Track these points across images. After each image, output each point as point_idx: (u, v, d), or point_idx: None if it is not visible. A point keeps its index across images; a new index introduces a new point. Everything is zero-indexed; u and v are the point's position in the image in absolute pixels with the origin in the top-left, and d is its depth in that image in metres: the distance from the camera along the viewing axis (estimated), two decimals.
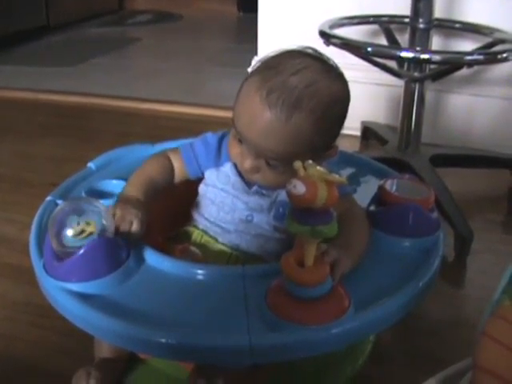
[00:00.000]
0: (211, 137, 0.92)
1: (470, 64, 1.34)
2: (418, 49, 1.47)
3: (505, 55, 1.32)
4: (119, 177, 0.95)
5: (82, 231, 0.72)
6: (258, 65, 0.83)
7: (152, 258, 0.77)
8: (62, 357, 0.98)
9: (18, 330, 1.05)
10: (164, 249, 0.82)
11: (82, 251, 0.70)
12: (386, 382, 0.95)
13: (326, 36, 1.47)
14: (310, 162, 0.62)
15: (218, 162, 0.90)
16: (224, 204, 0.87)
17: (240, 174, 0.86)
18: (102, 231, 0.72)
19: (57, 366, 0.97)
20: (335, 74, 0.82)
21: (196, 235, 0.89)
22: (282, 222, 0.85)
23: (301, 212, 0.61)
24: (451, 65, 1.44)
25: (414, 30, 1.50)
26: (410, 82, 1.54)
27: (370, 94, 1.89)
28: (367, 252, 0.78)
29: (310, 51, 0.84)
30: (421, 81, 1.52)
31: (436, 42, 1.69)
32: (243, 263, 0.82)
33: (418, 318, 1.06)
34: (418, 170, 1.43)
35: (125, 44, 3.42)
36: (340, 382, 0.90)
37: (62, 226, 0.72)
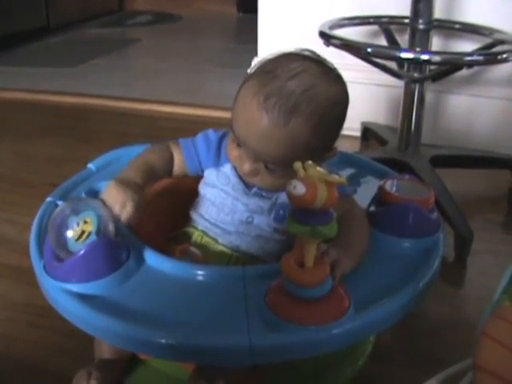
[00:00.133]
0: (212, 134, 0.92)
1: (470, 65, 1.34)
2: (417, 49, 1.47)
3: (505, 56, 1.31)
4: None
5: (82, 232, 0.72)
6: (255, 68, 0.83)
7: (152, 258, 0.77)
8: (62, 357, 0.98)
9: (18, 330, 1.05)
10: (164, 249, 0.82)
11: (82, 252, 0.70)
12: (386, 382, 0.95)
13: (325, 37, 1.47)
14: (310, 162, 0.62)
15: (217, 161, 0.90)
16: (224, 205, 0.87)
17: (240, 176, 0.86)
18: (100, 229, 0.72)
19: (57, 366, 0.97)
20: (333, 77, 0.82)
21: (196, 236, 0.89)
22: (282, 224, 0.85)
23: (301, 212, 0.61)
24: (451, 65, 1.44)
25: (413, 31, 1.50)
26: (409, 83, 1.54)
27: (369, 95, 1.89)
28: (367, 252, 0.78)
29: (307, 53, 0.83)
30: (421, 81, 1.52)
31: (436, 42, 1.69)
32: (243, 264, 0.82)
33: (418, 318, 1.07)
34: (418, 171, 1.43)
35: (125, 45, 3.42)
36: (340, 383, 0.90)
37: (62, 228, 0.72)
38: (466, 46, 1.74)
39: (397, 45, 1.65)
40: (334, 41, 1.44)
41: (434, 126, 1.85)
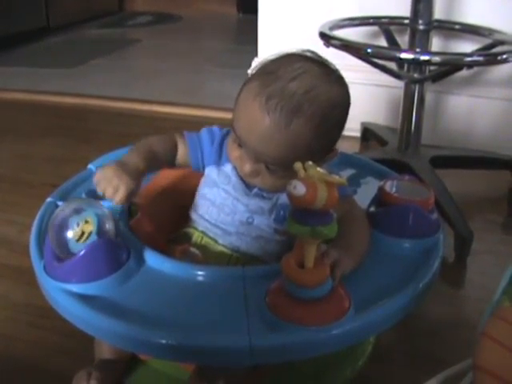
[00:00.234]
0: (217, 130, 0.92)
1: (470, 65, 1.34)
2: (417, 50, 1.48)
3: (504, 56, 1.32)
4: None
5: (83, 233, 0.72)
6: (256, 69, 0.83)
7: (152, 259, 0.77)
8: (62, 357, 0.98)
9: (19, 330, 1.05)
10: (164, 250, 0.82)
11: (82, 252, 0.70)
12: (386, 383, 0.95)
13: (326, 37, 1.47)
14: (310, 163, 0.62)
15: (219, 158, 0.90)
16: (224, 205, 0.87)
17: (240, 176, 0.86)
18: (100, 229, 0.72)
19: (57, 366, 0.97)
20: (335, 78, 0.82)
21: (196, 236, 0.89)
22: (282, 224, 0.85)
23: (301, 213, 0.61)
24: (451, 66, 1.44)
25: (413, 32, 1.50)
26: (409, 84, 1.54)
27: (369, 96, 1.90)
28: (367, 253, 0.78)
29: (309, 54, 0.83)
30: (421, 82, 1.52)
31: (436, 43, 1.69)
32: (243, 264, 0.82)
33: (418, 318, 1.07)
34: (418, 171, 1.43)
35: (125, 45, 3.42)
36: (340, 383, 0.90)
37: (62, 228, 0.72)
38: (466, 46, 1.74)
39: (397, 45, 1.65)
40: (334, 41, 1.44)
41: (434, 127, 1.85)
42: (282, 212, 0.85)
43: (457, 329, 1.06)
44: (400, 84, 1.58)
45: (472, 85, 1.83)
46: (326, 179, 0.60)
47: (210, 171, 0.90)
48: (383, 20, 1.72)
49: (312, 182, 0.59)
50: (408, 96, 1.55)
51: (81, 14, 3.91)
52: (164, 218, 0.96)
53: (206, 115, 2.15)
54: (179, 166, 0.93)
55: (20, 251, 1.25)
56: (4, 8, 3.12)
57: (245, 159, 0.82)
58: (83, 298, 0.70)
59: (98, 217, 0.73)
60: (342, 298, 0.68)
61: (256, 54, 2.08)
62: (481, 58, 1.36)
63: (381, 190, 0.87)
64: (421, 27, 1.49)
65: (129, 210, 0.90)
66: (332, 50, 1.40)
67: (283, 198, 0.84)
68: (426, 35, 1.50)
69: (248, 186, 0.86)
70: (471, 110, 1.84)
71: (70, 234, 0.72)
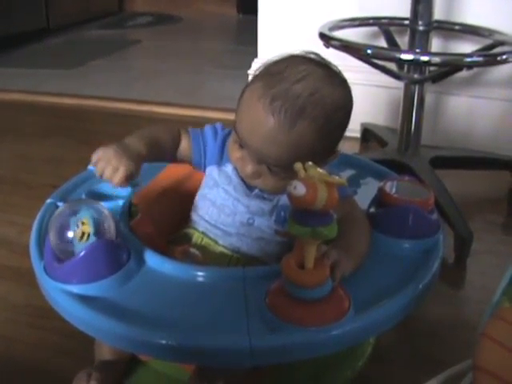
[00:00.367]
0: (220, 128, 0.92)
1: (470, 66, 1.34)
2: (417, 51, 1.48)
3: (504, 57, 1.32)
4: None
5: (83, 234, 0.72)
6: (260, 70, 0.83)
7: (152, 259, 0.77)
8: (62, 358, 0.98)
9: (19, 331, 1.05)
10: (164, 251, 0.82)
11: (82, 253, 0.70)
12: (385, 383, 0.95)
13: (325, 38, 1.47)
14: (310, 163, 0.62)
15: (220, 157, 0.90)
16: (225, 206, 0.87)
17: (241, 177, 0.86)
18: (97, 230, 0.72)
19: (57, 367, 0.97)
20: (338, 81, 0.82)
21: (196, 237, 0.89)
22: (283, 225, 0.85)
23: (301, 213, 0.61)
24: (451, 67, 1.44)
25: (413, 32, 1.51)
26: (409, 84, 1.54)
27: (369, 96, 1.90)
28: (368, 254, 0.78)
29: (312, 56, 0.83)
30: (420, 83, 1.52)
31: (436, 43, 1.69)
32: (244, 265, 0.82)
33: (418, 319, 1.07)
34: (418, 172, 1.43)
35: (124, 46, 3.42)
36: (339, 383, 0.90)
37: (62, 229, 0.72)
38: (466, 47, 1.75)
39: (397, 46, 1.65)
40: (334, 42, 1.44)
41: (434, 127, 1.85)
42: (282, 213, 0.85)
43: (457, 329, 1.06)
44: (400, 85, 1.59)
45: (472, 85, 1.83)
46: (326, 180, 0.60)
47: (211, 171, 0.90)
48: (383, 21, 1.72)
49: (312, 182, 0.59)
50: (408, 97, 1.55)
51: (81, 15, 3.91)
52: (164, 219, 0.96)
53: (205, 116, 2.15)
54: (181, 159, 0.92)
55: (20, 252, 1.25)
56: (4, 9, 3.13)
57: (247, 160, 0.81)
58: (83, 299, 0.70)
59: (94, 217, 0.73)
60: (341, 299, 0.68)
61: (256, 55, 2.08)
62: (481, 59, 1.36)
63: (381, 190, 0.87)
64: (421, 28, 1.49)
65: (129, 210, 0.90)
66: (332, 50, 1.40)
67: (284, 200, 0.84)
68: (425, 36, 1.50)
69: (249, 187, 0.86)
70: (471, 111, 1.84)
71: (70, 235, 0.72)
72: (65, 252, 0.72)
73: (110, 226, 0.74)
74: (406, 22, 1.55)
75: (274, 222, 0.85)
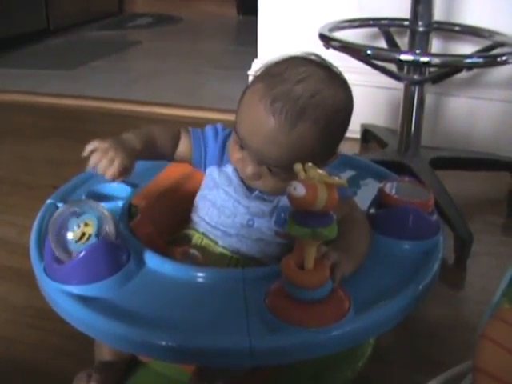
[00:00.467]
0: (221, 129, 0.92)
1: (470, 67, 1.34)
2: (417, 52, 1.48)
3: (504, 58, 1.32)
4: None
5: (83, 234, 0.72)
6: (261, 71, 0.83)
7: (152, 260, 0.77)
8: (62, 359, 0.99)
9: (19, 332, 1.05)
10: (164, 251, 0.82)
11: (82, 254, 0.70)
12: None
13: (325, 39, 1.47)
14: (310, 164, 0.62)
15: (221, 157, 0.90)
16: (225, 207, 0.87)
17: (241, 178, 0.86)
18: (101, 231, 0.72)
19: (57, 368, 0.97)
20: (339, 82, 0.82)
21: (196, 238, 0.89)
22: (283, 227, 0.84)
23: (301, 214, 0.61)
24: (451, 68, 1.44)
25: (413, 33, 1.51)
26: (409, 85, 1.54)
27: (369, 97, 1.90)
28: (368, 255, 0.78)
29: (313, 58, 0.83)
30: (420, 84, 1.52)
31: (435, 44, 1.69)
32: (243, 266, 0.82)
33: (418, 320, 1.07)
34: (418, 173, 1.43)
35: (125, 47, 3.42)
36: None
37: (62, 230, 0.72)
38: (466, 48, 1.75)
39: (396, 47, 1.65)
40: (334, 43, 1.44)
41: (434, 128, 1.85)
42: (282, 214, 0.85)
43: (456, 330, 1.06)
44: (400, 86, 1.59)
45: (472, 86, 1.83)
46: (326, 180, 0.60)
47: (212, 171, 0.90)
48: (383, 21, 1.72)
49: (312, 183, 0.59)
50: (408, 97, 1.55)
51: (81, 16, 3.91)
52: (164, 220, 0.96)
53: (205, 117, 2.15)
54: (180, 159, 0.93)
55: (20, 253, 1.25)
56: (4, 10, 3.13)
57: (247, 161, 0.81)
58: (83, 300, 0.70)
59: (99, 219, 0.73)
60: (341, 300, 0.68)
61: (256, 56, 2.09)
62: (480, 60, 1.36)
63: (381, 191, 0.87)
64: (420, 29, 1.49)
65: (129, 211, 0.90)
66: (332, 51, 1.40)
67: (284, 201, 0.84)
68: (425, 37, 1.50)
69: (249, 189, 0.86)
70: (471, 112, 1.84)
71: (70, 236, 0.72)
72: (64, 253, 0.72)
73: (110, 227, 0.74)
74: (406, 23, 1.55)
75: (274, 223, 0.85)
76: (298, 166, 0.61)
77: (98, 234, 0.72)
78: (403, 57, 1.35)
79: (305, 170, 0.61)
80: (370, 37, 1.83)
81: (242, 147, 0.82)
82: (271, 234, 0.86)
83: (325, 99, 0.78)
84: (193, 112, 2.21)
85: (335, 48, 1.43)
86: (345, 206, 0.80)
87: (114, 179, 0.82)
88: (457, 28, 1.71)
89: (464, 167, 1.66)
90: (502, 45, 1.48)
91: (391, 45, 1.66)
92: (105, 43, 3.50)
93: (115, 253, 0.74)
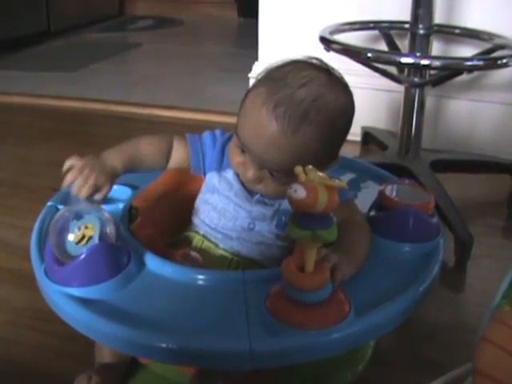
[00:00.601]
0: (220, 134, 0.91)
1: (470, 70, 1.34)
2: (418, 54, 1.48)
3: (505, 61, 1.32)
4: (120, 182, 0.95)
5: (83, 237, 0.72)
6: (262, 75, 0.83)
7: (153, 263, 0.77)
8: (63, 361, 0.98)
9: (19, 334, 1.05)
10: (165, 254, 0.82)
11: (83, 256, 0.70)
12: None
13: (326, 41, 1.47)
14: (311, 166, 0.62)
15: (220, 163, 0.90)
16: (226, 211, 0.87)
17: (242, 182, 0.86)
18: (102, 234, 0.72)
19: (58, 369, 0.97)
20: (341, 87, 0.82)
21: (197, 240, 0.89)
22: (284, 230, 0.84)
23: (301, 217, 0.61)
24: (451, 70, 1.44)
25: (414, 36, 1.51)
26: (410, 88, 1.54)
27: (370, 100, 1.90)
28: (368, 257, 0.78)
29: (315, 61, 0.83)
30: (421, 86, 1.52)
31: (436, 47, 1.70)
32: (243, 268, 0.82)
33: (418, 322, 1.07)
34: (418, 176, 1.43)
35: (125, 49, 3.43)
36: None
37: (63, 232, 0.72)
38: (466, 50, 1.75)
39: (397, 50, 1.65)
40: (335, 46, 1.44)
41: (435, 131, 1.85)
42: (283, 218, 0.85)
43: (457, 332, 1.06)
44: (400, 88, 1.59)
45: (472, 89, 1.83)
46: (327, 183, 0.60)
47: (212, 177, 0.90)
48: (383, 24, 1.72)
49: (312, 185, 0.59)
50: (408, 100, 1.56)
51: (81, 18, 3.91)
52: (165, 222, 0.96)
53: (206, 119, 2.15)
54: (178, 167, 0.92)
55: (21, 255, 1.25)
56: (5, 12, 3.13)
57: (248, 165, 0.81)
58: (84, 302, 0.70)
59: (100, 222, 0.73)
60: (342, 302, 0.68)
61: (257, 58, 2.08)
62: (481, 63, 1.36)
63: (381, 194, 0.87)
64: (421, 31, 1.49)
65: (129, 213, 0.90)
66: (332, 54, 1.40)
67: (285, 204, 0.83)
68: (426, 39, 1.50)
69: (250, 193, 0.86)
70: (471, 115, 1.84)
71: (70, 238, 0.72)
72: (65, 255, 0.72)
73: (111, 229, 0.74)
74: (407, 26, 1.55)
75: (274, 226, 0.85)
76: (298, 169, 0.61)
77: (98, 237, 0.72)
78: (404, 59, 1.36)
79: (305, 173, 0.61)
80: (370, 39, 1.83)
81: (243, 151, 0.82)
82: (272, 237, 0.86)
83: (327, 103, 0.78)
84: (193, 114, 2.21)
85: (336, 51, 1.43)
86: (345, 208, 0.80)
87: (88, 199, 0.82)
88: (457, 31, 1.71)
89: (464, 170, 1.66)
90: (502, 47, 1.48)
91: (392, 47, 1.66)
92: (105, 45, 3.51)
93: (116, 255, 0.74)
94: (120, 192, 0.92)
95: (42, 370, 0.97)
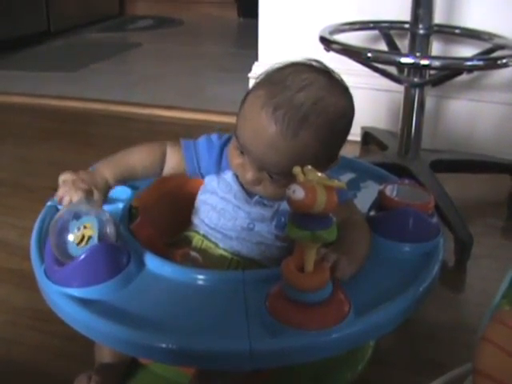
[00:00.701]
0: (216, 138, 0.91)
1: (470, 70, 1.34)
2: (417, 54, 1.48)
3: (504, 61, 1.32)
4: None
5: (83, 237, 0.72)
6: (262, 77, 0.82)
7: (152, 263, 0.77)
8: (63, 361, 0.99)
9: (19, 334, 1.05)
10: (164, 254, 0.82)
11: (82, 256, 0.70)
12: None
13: (326, 42, 1.47)
14: (309, 167, 0.62)
15: (219, 167, 0.89)
16: (225, 211, 0.87)
17: (241, 183, 0.86)
18: (101, 234, 0.72)
19: (58, 369, 0.97)
20: (341, 89, 0.82)
21: (196, 240, 0.89)
22: (283, 231, 0.84)
23: (300, 217, 0.61)
24: (451, 70, 1.44)
25: (413, 36, 1.51)
26: (409, 88, 1.54)
27: (370, 100, 1.90)
28: (368, 257, 0.78)
29: (315, 64, 0.83)
30: (421, 86, 1.52)
31: (436, 47, 1.70)
32: (243, 268, 0.82)
33: (418, 322, 1.07)
34: (418, 175, 1.43)
35: (125, 49, 3.43)
36: None
37: (63, 232, 0.72)
38: (466, 50, 1.75)
39: (397, 50, 1.65)
40: (335, 46, 1.44)
41: (434, 131, 1.85)
42: (282, 219, 0.85)
43: (456, 332, 1.06)
44: (400, 88, 1.59)
45: (472, 89, 1.83)
46: (325, 183, 0.60)
47: (210, 180, 0.90)
48: (383, 24, 1.72)
49: (311, 185, 0.59)
50: (408, 100, 1.56)
51: (82, 18, 3.91)
52: (164, 222, 0.96)
53: (206, 119, 2.15)
54: (173, 173, 0.92)
55: (20, 255, 1.25)
56: (5, 12, 3.13)
57: (247, 167, 0.81)
58: (84, 302, 0.70)
59: (100, 222, 0.73)
60: (341, 302, 0.68)
61: (256, 58, 2.09)
62: (481, 63, 1.36)
63: (381, 193, 0.87)
64: (421, 31, 1.49)
65: (129, 213, 0.90)
66: (332, 54, 1.40)
67: (284, 205, 0.83)
68: (426, 39, 1.50)
69: (249, 194, 0.86)
70: (471, 115, 1.84)
71: (70, 238, 0.72)
72: (64, 255, 0.72)
73: (110, 229, 0.74)
74: (407, 26, 1.55)
75: (274, 227, 0.85)
76: (296, 169, 0.61)
77: (97, 236, 0.72)
78: (403, 59, 1.36)
79: (304, 173, 0.61)
80: (370, 39, 1.83)
81: (242, 152, 0.81)
82: (271, 237, 0.86)
83: (327, 106, 0.78)
84: (193, 114, 2.21)
85: (336, 51, 1.43)
86: (344, 208, 0.80)
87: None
88: (457, 31, 1.71)
89: (464, 170, 1.66)
90: (502, 47, 1.48)
91: (391, 47, 1.66)
92: (105, 45, 3.51)
93: (115, 255, 0.74)
94: (120, 192, 0.92)
95: (41, 370, 0.97)
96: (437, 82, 1.53)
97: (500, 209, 1.55)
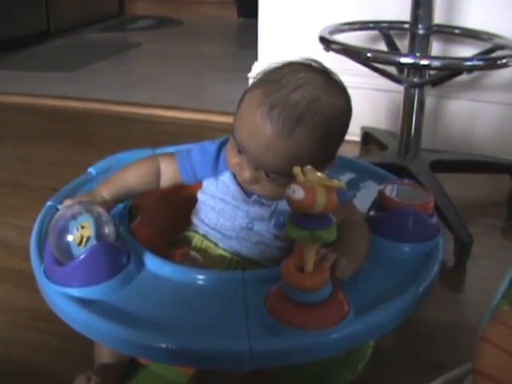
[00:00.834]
0: (209, 145, 0.91)
1: (470, 70, 1.34)
2: (417, 54, 1.48)
3: (504, 61, 1.32)
4: None
5: (82, 237, 0.72)
6: (259, 77, 0.83)
7: (152, 262, 0.77)
8: (62, 361, 0.98)
9: (19, 334, 1.05)
10: (164, 253, 0.82)
11: (82, 256, 0.70)
12: None
13: (325, 42, 1.47)
14: (309, 167, 0.62)
15: (215, 171, 0.89)
16: (224, 211, 0.87)
17: (239, 183, 0.86)
18: (98, 233, 0.72)
19: (58, 370, 0.97)
20: (338, 89, 0.81)
21: (196, 240, 0.89)
22: (282, 230, 0.84)
23: (300, 217, 0.61)
24: (451, 70, 1.44)
25: (413, 36, 1.51)
26: (409, 88, 1.54)
27: (369, 100, 1.90)
28: (367, 257, 0.78)
29: (312, 63, 0.83)
30: (420, 86, 1.53)
31: (436, 47, 1.70)
32: (243, 268, 0.82)
33: (418, 322, 1.07)
34: (418, 176, 1.43)
35: (125, 49, 3.43)
36: None
37: (62, 232, 0.72)
38: (466, 51, 1.75)
39: (397, 50, 1.65)
40: (334, 46, 1.44)
41: (434, 131, 1.85)
42: (281, 218, 0.85)
43: (456, 332, 1.06)
44: (400, 88, 1.59)
45: (472, 89, 1.83)
46: (325, 183, 0.60)
47: (209, 183, 0.90)
48: (383, 24, 1.72)
49: (311, 186, 0.59)
50: (408, 100, 1.56)
51: (81, 18, 3.92)
52: (164, 222, 0.96)
53: (206, 119, 2.15)
54: (169, 186, 0.93)
55: (20, 255, 1.25)
56: (5, 12, 3.13)
57: (244, 166, 0.81)
58: (83, 302, 0.70)
59: (95, 221, 0.73)
60: (341, 302, 0.68)
61: (256, 58, 2.09)
62: (480, 63, 1.36)
63: (381, 193, 0.87)
64: (421, 32, 1.49)
65: (129, 213, 0.90)
66: (332, 54, 1.40)
67: (282, 205, 0.83)
68: (425, 40, 1.50)
69: (247, 193, 0.86)
70: (471, 115, 1.84)
71: (70, 238, 0.72)
72: (64, 255, 0.72)
73: (109, 229, 0.74)
74: (406, 26, 1.55)
75: (273, 226, 0.85)
76: (296, 169, 0.61)
77: (96, 236, 0.72)
78: (403, 59, 1.36)
79: (303, 173, 0.61)
80: (370, 40, 1.83)
81: (239, 152, 0.82)
82: (271, 237, 0.86)
83: (322, 106, 0.78)
84: (193, 114, 2.21)
85: (335, 51, 1.43)
86: (344, 208, 0.80)
87: None
88: (457, 31, 1.71)
89: (464, 170, 1.66)
90: (501, 47, 1.48)
91: (391, 48, 1.66)
92: (105, 45, 3.51)
93: (115, 255, 0.74)
94: None
95: (41, 370, 0.97)
96: (437, 82, 1.53)
97: (500, 209, 1.55)
